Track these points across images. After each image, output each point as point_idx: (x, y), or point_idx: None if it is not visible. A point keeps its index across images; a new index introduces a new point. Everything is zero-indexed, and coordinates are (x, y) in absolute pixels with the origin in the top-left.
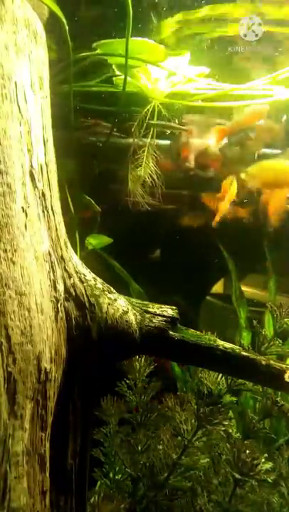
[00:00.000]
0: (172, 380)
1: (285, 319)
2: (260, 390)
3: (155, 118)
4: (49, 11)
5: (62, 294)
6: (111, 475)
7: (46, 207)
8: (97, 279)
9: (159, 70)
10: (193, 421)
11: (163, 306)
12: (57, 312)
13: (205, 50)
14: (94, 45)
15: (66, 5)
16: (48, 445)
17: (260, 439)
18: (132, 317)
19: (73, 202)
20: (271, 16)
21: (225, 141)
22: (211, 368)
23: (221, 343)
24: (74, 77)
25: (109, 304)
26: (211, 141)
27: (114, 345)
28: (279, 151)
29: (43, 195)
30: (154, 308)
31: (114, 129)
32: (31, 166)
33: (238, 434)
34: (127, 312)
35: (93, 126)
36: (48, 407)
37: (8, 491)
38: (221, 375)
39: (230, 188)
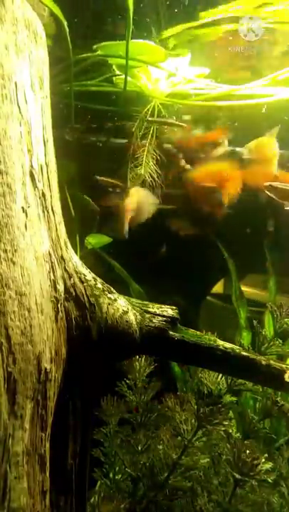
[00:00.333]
0: (172, 380)
1: (285, 319)
2: (260, 390)
3: (155, 117)
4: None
5: (62, 294)
6: (111, 475)
7: (46, 207)
8: (97, 279)
9: (160, 70)
10: (193, 421)
11: (163, 306)
12: (57, 312)
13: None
14: (94, 46)
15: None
16: (48, 445)
17: (260, 439)
18: (132, 317)
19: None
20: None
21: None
22: (211, 368)
23: (221, 343)
24: (75, 76)
25: (109, 304)
26: None
27: (114, 346)
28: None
29: (43, 195)
30: (154, 308)
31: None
32: (31, 166)
33: (238, 434)
34: (127, 312)
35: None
36: (48, 407)
37: (8, 491)
38: (221, 375)
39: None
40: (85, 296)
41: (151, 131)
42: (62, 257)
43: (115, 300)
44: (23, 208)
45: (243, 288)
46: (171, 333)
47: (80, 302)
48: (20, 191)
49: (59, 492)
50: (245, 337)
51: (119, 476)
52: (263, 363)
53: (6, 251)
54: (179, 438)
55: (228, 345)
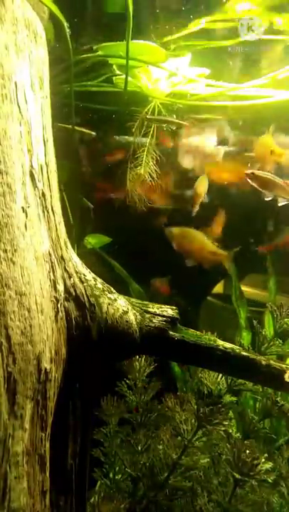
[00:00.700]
0: (172, 380)
1: (285, 319)
2: (260, 390)
3: (155, 115)
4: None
5: (62, 294)
6: (111, 475)
7: (46, 207)
8: (97, 279)
9: (160, 70)
10: (193, 421)
11: (163, 306)
12: (57, 312)
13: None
14: (95, 47)
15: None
16: (48, 445)
17: (260, 439)
18: (132, 317)
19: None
20: None
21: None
22: (211, 368)
23: (221, 343)
24: (75, 76)
25: (109, 304)
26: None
27: (114, 346)
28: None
29: (43, 195)
30: (154, 308)
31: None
32: (31, 166)
33: (238, 434)
34: (127, 312)
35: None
36: (48, 407)
37: (8, 491)
38: (221, 375)
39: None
40: (85, 296)
41: (151, 131)
42: (62, 257)
43: (115, 300)
44: (23, 207)
45: (243, 288)
46: (171, 333)
47: (80, 302)
48: (20, 191)
49: (59, 492)
50: (245, 337)
51: (119, 476)
52: (263, 363)
53: (5, 251)
54: (179, 438)
55: (228, 345)
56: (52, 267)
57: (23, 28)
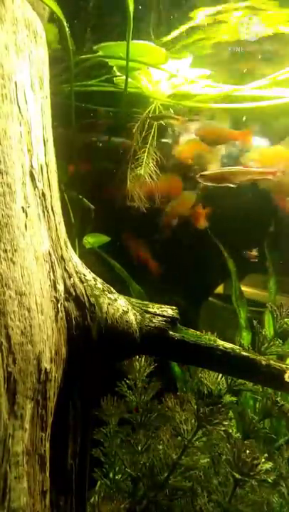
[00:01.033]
0: (172, 380)
1: (285, 319)
2: (260, 390)
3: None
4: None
5: (62, 294)
6: (111, 475)
7: (46, 207)
8: (97, 279)
9: (160, 71)
10: (193, 421)
11: (163, 306)
12: (57, 312)
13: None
14: (95, 47)
15: None
16: (48, 445)
17: (260, 439)
18: (132, 317)
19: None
20: None
21: None
22: (211, 368)
23: (221, 343)
24: (76, 77)
25: (109, 304)
26: None
27: (114, 345)
28: None
29: (43, 195)
30: (154, 308)
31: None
32: (31, 166)
33: (238, 434)
34: (127, 312)
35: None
36: (48, 407)
37: (8, 491)
38: (221, 375)
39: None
40: (85, 296)
41: (152, 132)
42: (62, 257)
43: (115, 300)
44: (23, 207)
45: (243, 288)
46: (171, 333)
47: (80, 302)
48: (20, 191)
49: (59, 492)
50: (245, 337)
51: (119, 476)
52: (263, 363)
53: (6, 251)
54: (179, 438)
55: (228, 345)
56: (52, 266)
57: (23, 28)
